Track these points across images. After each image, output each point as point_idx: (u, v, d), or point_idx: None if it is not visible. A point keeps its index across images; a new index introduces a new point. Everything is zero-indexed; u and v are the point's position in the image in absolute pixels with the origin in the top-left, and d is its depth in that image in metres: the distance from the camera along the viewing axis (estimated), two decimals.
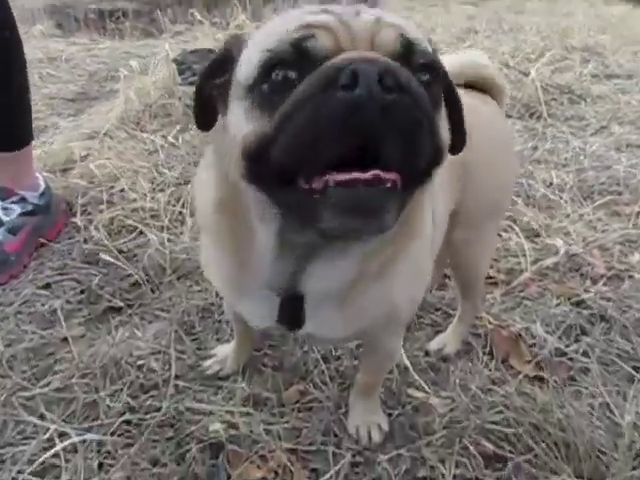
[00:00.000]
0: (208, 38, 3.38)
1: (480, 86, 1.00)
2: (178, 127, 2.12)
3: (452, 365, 1.17)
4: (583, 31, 4.45)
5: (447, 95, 0.59)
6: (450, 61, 0.80)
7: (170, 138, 2.04)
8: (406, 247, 0.67)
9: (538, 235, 1.63)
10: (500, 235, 1.58)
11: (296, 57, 0.50)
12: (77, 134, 2.10)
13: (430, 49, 0.57)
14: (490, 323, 1.26)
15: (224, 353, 1.15)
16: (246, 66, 0.55)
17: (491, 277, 1.44)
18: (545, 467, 0.94)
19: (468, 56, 0.96)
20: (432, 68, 0.54)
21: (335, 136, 0.45)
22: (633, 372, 1.14)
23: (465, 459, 0.94)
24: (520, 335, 1.25)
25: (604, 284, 1.45)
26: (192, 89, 2.53)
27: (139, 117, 2.25)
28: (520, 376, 1.13)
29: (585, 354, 1.21)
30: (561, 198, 1.85)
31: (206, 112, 0.63)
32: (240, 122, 0.53)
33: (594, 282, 1.46)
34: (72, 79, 3.04)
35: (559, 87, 3.18)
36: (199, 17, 3.64)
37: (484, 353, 1.20)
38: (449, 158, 0.59)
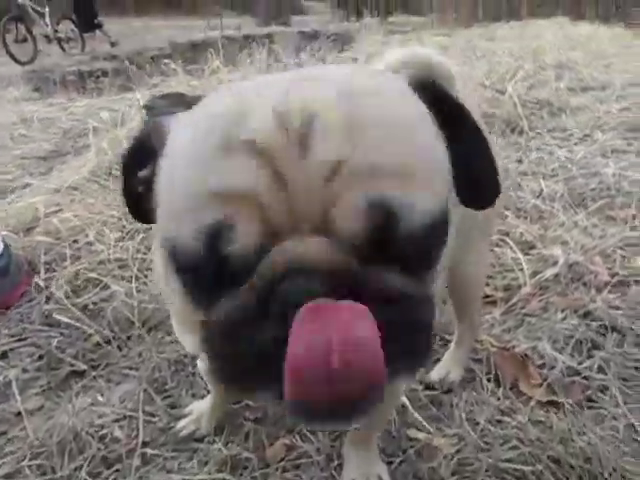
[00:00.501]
0: (182, 85, 3.44)
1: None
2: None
3: (455, 397, 1.06)
4: (554, 49, 4.60)
5: (470, 140, 0.46)
6: (402, 55, 0.76)
7: None
8: None
9: (533, 247, 1.56)
10: (493, 250, 1.51)
11: (211, 261, 0.38)
12: (44, 190, 2.05)
13: (433, 200, 0.39)
14: (492, 345, 1.16)
15: (200, 411, 1.04)
16: (162, 209, 0.43)
17: (489, 296, 1.35)
18: None
19: (422, 50, 0.92)
20: (431, 235, 0.39)
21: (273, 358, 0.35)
22: None
23: None
24: (527, 356, 1.15)
25: (610, 292, 1.37)
26: None
27: (111, 168, 2.22)
28: (532, 402, 1.02)
29: (601, 370, 1.11)
30: (553, 207, 1.80)
31: (140, 208, 0.51)
32: (168, 276, 0.45)
33: (599, 291, 1.37)
34: (46, 138, 3.05)
35: (538, 102, 3.22)
36: (173, 66, 3.74)
37: (489, 380, 1.09)
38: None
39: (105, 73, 4.93)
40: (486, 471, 0.89)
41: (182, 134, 0.44)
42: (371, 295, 0.36)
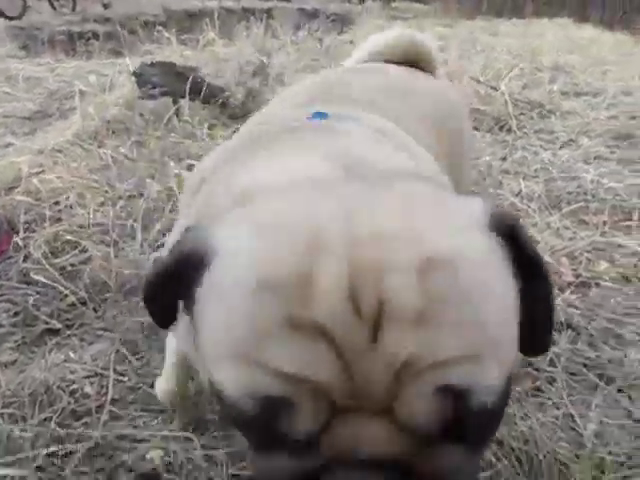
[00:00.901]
0: (175, 55, 3.41)
1: (414, 62, 1.02)
2: (133, 139, 2.10)
3: None
4: (553, 51, 4.66)
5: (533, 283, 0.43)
6: (385, 38, 0.80)
7: (125, 150, 2.02)
8: None
9: None
10: None
11: (264, 426, 0.37)
12: (28, 150, 2.06)
13: (498, 381, 0.38)
14: None
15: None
16: (205, 339, 0.41)
17: None
18: None
19: (405, 32, 0.98)
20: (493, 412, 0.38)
21: None
22: (597, 380, 1.12)
23: None
24: None
25: (572, 292, 1.45)
26: (151, 102, 2.52)
27: (97, 132, 2.23)
28: None
29: (552, 363, 1.19)
30: (529, 207, 1.87)
31: (164, 314, 0.49)
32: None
33: (562, 290, 1.46)
34: (31, 98, 3.02)
35: (529, 102, 3.29)
36: (167, 34, 3.70)
37: None
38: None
39: (96, 36, 4.82)
40: None
41: (232, 271, 0.39)
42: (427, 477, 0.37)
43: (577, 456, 0.92)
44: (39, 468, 0.93)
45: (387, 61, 1.05)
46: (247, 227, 0.40)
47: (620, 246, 1.66)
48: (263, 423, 0.36)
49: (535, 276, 0.43)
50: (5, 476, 0.91)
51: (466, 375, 0.35)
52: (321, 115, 0.67)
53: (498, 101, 2.98)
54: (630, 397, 1.09)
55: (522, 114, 3.08)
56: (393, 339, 0.34)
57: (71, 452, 0.95)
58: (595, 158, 2.48)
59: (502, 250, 0.42)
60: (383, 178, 0.46)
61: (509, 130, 2.78)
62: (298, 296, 0.35)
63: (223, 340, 0.38)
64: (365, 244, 0.36)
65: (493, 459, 0.94)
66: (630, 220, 1.77)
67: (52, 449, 0.96)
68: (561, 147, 2.63)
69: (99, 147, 2.10)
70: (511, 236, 0.42)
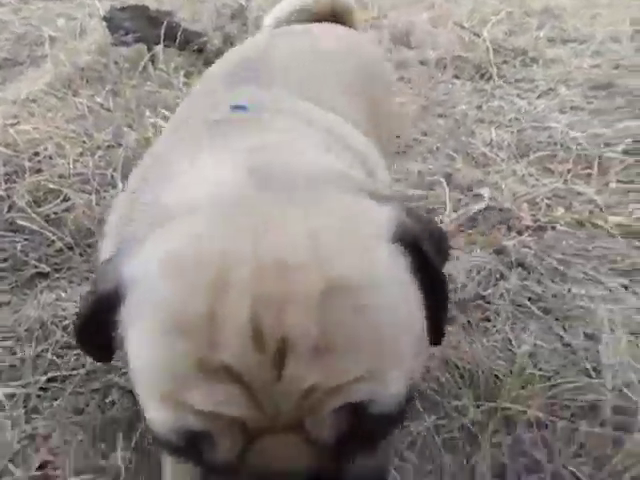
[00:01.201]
0: None
1: (335, 18, 1.07)
2: (108, 88, 2.12)
3: None
4: None
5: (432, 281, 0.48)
6: None
7: (100, 100, 2.05)
8: None
9: (470, 190, 1.76)
10: (433, 189, 1.70)
11: (190, 454, 0.42)
12: (2, 101, 2.08)
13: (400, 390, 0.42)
14: None
15: None
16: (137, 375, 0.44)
17: None
18: (448, 394, 1.07)
19: None
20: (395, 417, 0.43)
21: None
22: (538, 312, 1.29)
23: None
24: None
25: (528, 235, 1.59)
26: (124, 49, 2.51)
27: (70, 81, 2.24)
28: None
29: (501, 297, 1.35)
30: (498, 156, 1.98)
31: (100, 352, 0.53)
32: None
33: (519, 233, 1.60)
34: None
35: (513, 49, 3.30)
36: None
37: None
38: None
39: None
40: None
41: (145, 310, 0.42)
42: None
43: (511, 372, 1.09)
44: (42, 389, 1.08)
45: (312, 16, 1.08)
46: (157, 263, 0.42)
47: (579, 193, 1.80)
48: (189, 453, 0.42)
49: (435, 285, 0.48)
50: (13, 395, 1.05)
51: (367, 392, 0.39)
52: (241, 108, 0.69)
53: (480, 48, 3.01)
54: (564, 327, 1.26)
55: (505, 62, 3.10)
56: (294, 372, 0.38)
57: (69, 376, 1.10)
58: (571, 108, 2.56)
59: (406, 260, 0.45)
60: (295, 189, 0.47)
61: (489, 78, 2.83)
62: (206, 339, 0.38)
63: (147, 381, 0.42)
64: (268, 276, 0.39)
65: (439, 374, 1.11)
66: (591, 169, 1.90)
67: (50, 375, 1.10)
68: (539, 96, 2.70)
69: (74, 96, 2.12)
70: (415, 245, 0.46)
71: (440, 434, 1.00)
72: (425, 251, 0.46)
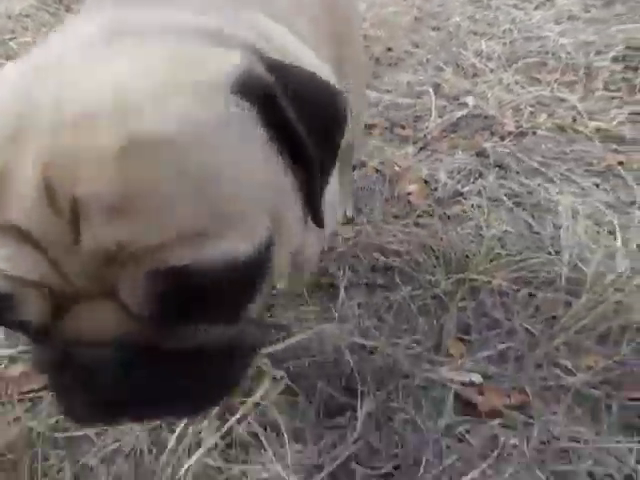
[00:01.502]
0: None
1: None
2: None
3: (359, 203, 1.41)
4: None
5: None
6: None
7: None
8: None
9: (457, 99, 1.82)
10: (420, 98, 1.77)
11: (4, 318, 0.38)
12: None
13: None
14: (398, 166, 1.50)
15: None
16: None
17: (405, 136, 1.65)
18: (424, 271, 1.22)
19: None
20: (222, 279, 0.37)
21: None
22: (511, 205, 1.41)
23: (359, 267, 1.22)
24: (426, 181, 1.50)
25: (510, 140, 1.69)
26: None
27: None
28: (418, 211, 1.39)
29: (479, 194, 1.47)
30: (487, 66, 2.02)
31: None
32: None
33: (502, 139, 1.69)
34: None
35: None
36: None
37: (390, 193, 1.44)
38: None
39: None
40: (378, 248, 1.28)
41: None
42: (174, 355, 0.39)
43: (480, 252, 1.24)
44: None
45: None
46: None
47: (563, 100, 1.86)
48: (1, 317, 0.39)
49: (301, 149, 0.42)
50: None
51: (185, 255, 0.35)
52: None
53: None
54: (533, 215, 1.39)
55: None
56: (93, 232, 0.34)
57: None
58: (568, 18, 2.54)
59: (251, 113, 0.40)
60: (135, 41, 0.41)
61: None
62: None
63: None
64: (66, 130, 0.34)
65: (417, 256, 1.25)
66: (576, 76, 1.94)
67: None
68: (536, 7, 2.66)
69: (66, 11, 2.12)
70: (268, 97, 0.40)
71: (415, 302, 1.16)
72: (280, 105, 0.40)
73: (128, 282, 0.35)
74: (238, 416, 0.88)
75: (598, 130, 1.75)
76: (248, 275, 0.39)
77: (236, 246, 0.37)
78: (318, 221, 0.48)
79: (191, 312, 0.38)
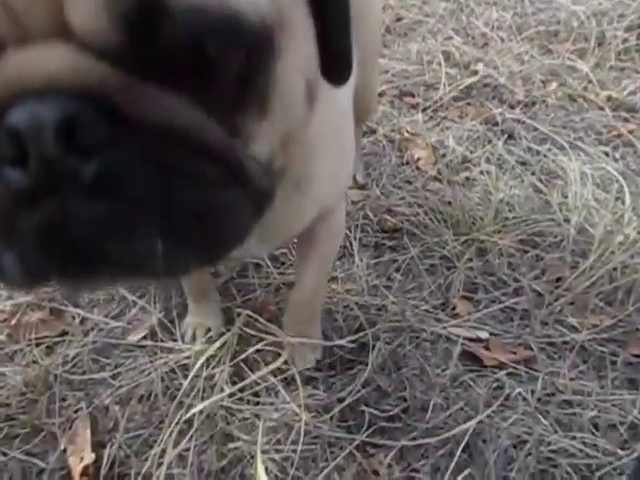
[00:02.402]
0: None
1: None
2: None
3: (368, 168, 1.42)
4: None
5: None
6: None
7: None
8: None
9: (467, 67, 1.81)
10: (430, 66, 1.76)
11: None
12: None
13: None
14: (408, 133, 1.50)
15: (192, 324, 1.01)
16: None
17: (415, 103, 1.65)
18: (431, 233, 1.23)
19: None
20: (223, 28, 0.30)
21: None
22: (520, 170, 1.41)
23: (369, 228, 1.23)
24: (435, 148, 1.50)
25: (520, 109, 1.68)
26: None
27: None
28: (427, 175, 1.40)
29: (487, 160, 1.47)
30: (498, 35, 2.00)
31: None
32: None
33: (512, 107, 1.68)
34: None
35: None
36: None
37: (400, 159, 1.45)
38: None
39: None
40: (387, 210, 1.29)
41: None
42: (141, 122, 0.29)
43: (488, 215, 1.25)
44: None
45: None
46: None
47: (574, 69, 1.84)
48: None
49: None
50: None
51: None
52: None
53: None
54: (542, 181, 1.39)
55: None
56: None
57: None
58: None
59: None
60: None
61: None
62: None
63: None
64: None
65: (425, 218, 1.26)
66: (588, 45, 1.92)
67: None
68: None
69: None
70: None
71: (422, 262, 1.17)
72: None
73: (84, 17, 0.27)
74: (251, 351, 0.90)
75: (609, 99, 1.73)
76: (245, 44, 0.31)
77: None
78: (345, 60, 0.40)
79: (166, 62, 0.29)
